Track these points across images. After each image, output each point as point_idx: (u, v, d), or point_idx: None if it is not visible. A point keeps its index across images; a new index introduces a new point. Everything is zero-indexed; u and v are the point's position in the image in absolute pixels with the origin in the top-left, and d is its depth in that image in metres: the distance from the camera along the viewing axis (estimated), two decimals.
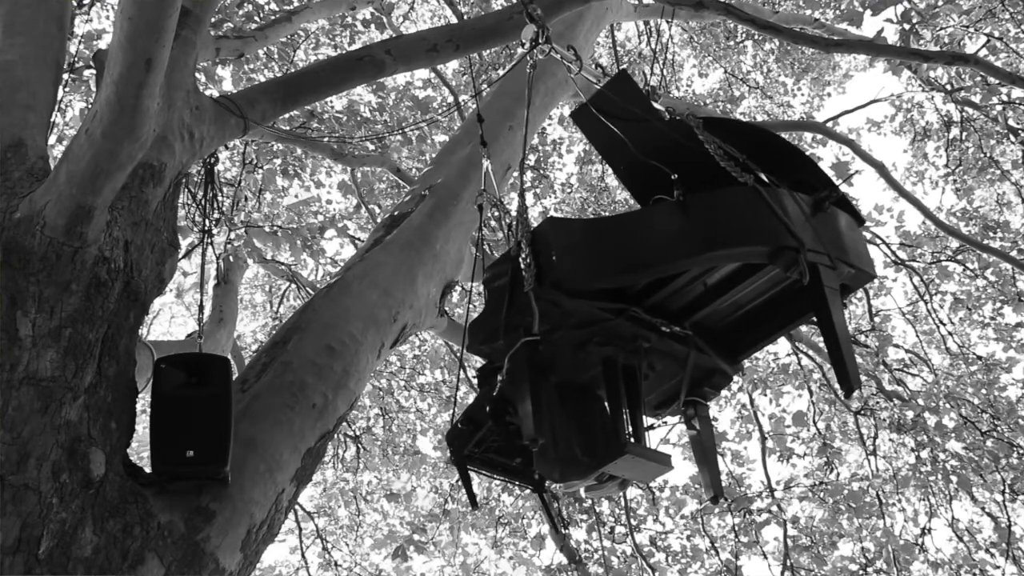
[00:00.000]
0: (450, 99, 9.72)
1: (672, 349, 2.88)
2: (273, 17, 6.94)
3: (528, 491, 3.36)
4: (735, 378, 9.38)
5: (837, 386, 9.18)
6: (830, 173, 8.82)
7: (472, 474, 3.16)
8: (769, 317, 2.93)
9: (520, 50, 3.34)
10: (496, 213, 3.29)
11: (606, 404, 2.86)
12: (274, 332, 4.55)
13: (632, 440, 2.78)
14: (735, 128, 3.01)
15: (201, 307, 3.86)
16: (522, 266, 2.65)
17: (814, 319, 2.70)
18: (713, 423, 9.69)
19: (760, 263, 2.67)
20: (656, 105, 3.01)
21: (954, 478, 8.18)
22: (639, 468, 2.75)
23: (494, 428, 2.87)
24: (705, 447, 3.01)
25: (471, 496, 3.20)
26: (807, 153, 3.14)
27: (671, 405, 3.05)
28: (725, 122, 3.19)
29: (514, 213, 2.88)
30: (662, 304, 2.86)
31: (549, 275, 2.63)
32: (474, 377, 3.23)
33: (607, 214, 10.73)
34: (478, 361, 3.14)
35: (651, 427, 3.04)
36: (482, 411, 2.90)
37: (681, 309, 2.91)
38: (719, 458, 8.73)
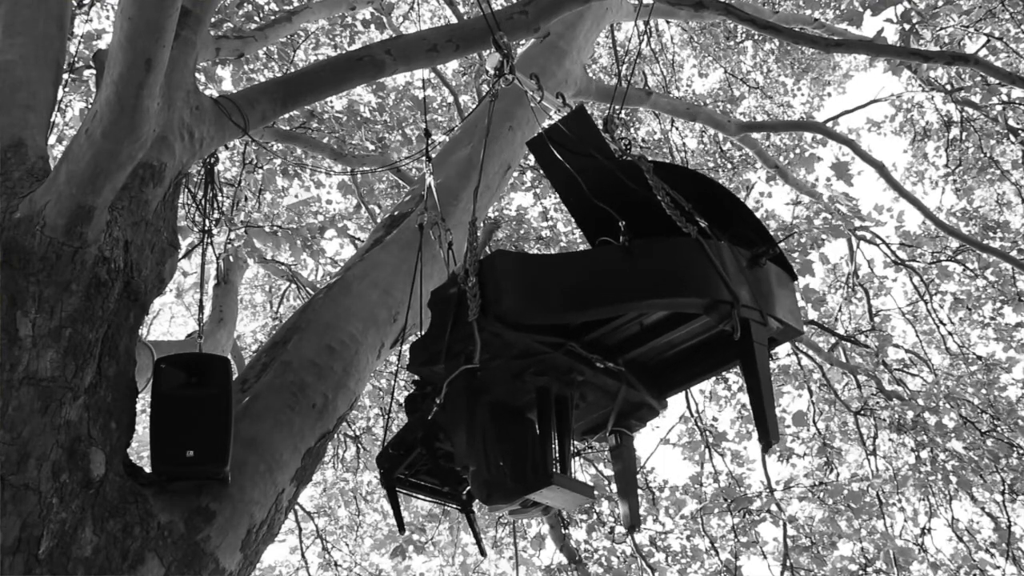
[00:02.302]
0: (450, 99, 9.73)
1: (604, 383, 2.96)
2: (273, 17, 6.93)
3: (457, 510, 3.44)
4: (735, 378, 9.42)
5: (837, 386, 9.19)
6: (827, 174, 8.81)
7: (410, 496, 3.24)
8: (702, 359, 3.02)
9: (490, 71, 3.39)
10: (437, 234, 3.33)
11: (537, 430, 2.92)
12: (274, 332, 4.55)
13: (559, 469, 2.85)
14: (683, 175, 3.09)
15: (201, 307, 3.86)
16: (468, 295, 2.69)
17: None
18: (713, 423, 9.65)
19: (696, 313, 2.75)
20: (611, 142, 3.06)
21: (954, 478, 8.18)
22: (563, 498, 2.82)
23: (424, 453, 2.96)
24: (628, 476, 3.10)
25: (399, 521, 3.29)
26: (751, 207, 3.24)
27: (597, 432, 3.14)
28: (674, 168, 3.26)
29: (468, 239, 2.93)
30: (599, 339, 2.94)
31: (494, 307, 2.68)
32: (402, 403, 3.30)
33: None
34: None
35: (578, 453, 3.09)
36: (413, 436, 2.97)
37: (617, 345, 2.98)
38: (721, 458, 8.75)
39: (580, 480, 2.95)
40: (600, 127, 3.14)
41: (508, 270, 2.76)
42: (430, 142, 3.79)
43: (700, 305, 2.67)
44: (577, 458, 3.06)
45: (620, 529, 8.52)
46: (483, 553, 3.67)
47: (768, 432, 2.64)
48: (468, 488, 3.12)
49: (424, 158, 3.61)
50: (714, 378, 9.47)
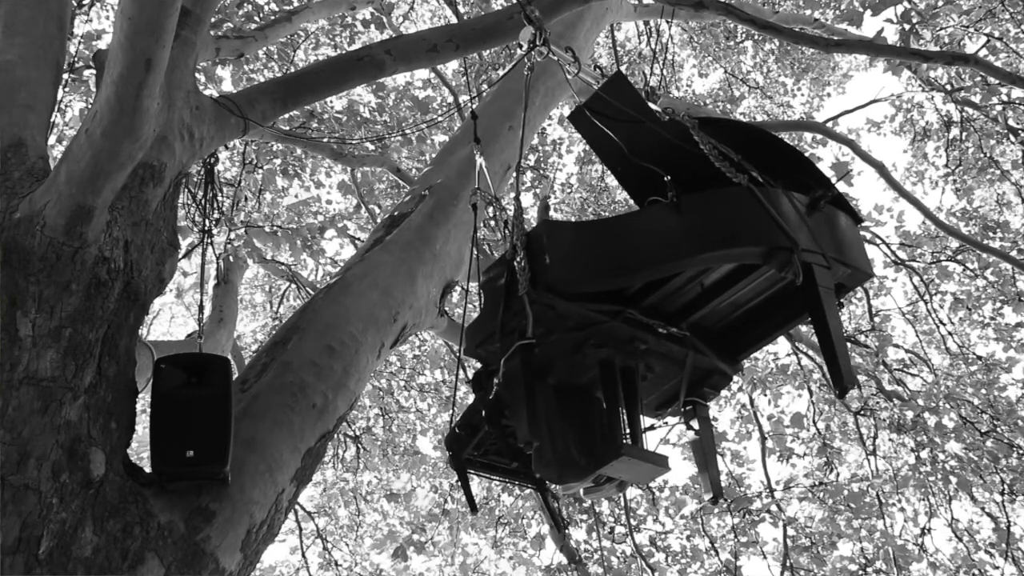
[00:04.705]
0: (450, 99, 9.73)
1: (670, 350, 2.88)
2: (273, 17, 6.94)
3: (530, 490, 3.37)
4: (735, 378, 9.41)
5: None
6: (829, 173, 8.83)
7: (474, 477, 3.18)
8: (768, 316, 2.92)
9: (519, 51, 3.34)
10: (492, 212, 3.28)
11: (604, 406, 2.86)
12: (274, 332, 4.55)
13: (629, 442, 2.78)
14: (731, 128, 3.00)
15: (201, 307, 3.87)
16: (517, 269, 2.66)
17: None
18: (713, 423, 9.70)
19: (755, 263, 2.67)
20: (653, 106, 3.00)
21: (953, 478, 8.17)
22: (636, 470, 2.75)
23: (491, 432, 2.88)
24: (705, 448, 3.01)
25: (470, 501, 3.21)
26: (804, 152, 3.14)
27: (671, 406, 3.05)
28: (721, 122, 3.17)
29: (510, 215, 2.88)
30: (659, 305, 2.86)
31: (543, 278, 2.63)
32: (467, 382, 3.25)
33: (606, 214, 10.75)
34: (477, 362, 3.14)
35: (650, 428, 3.03)
36: (478, 415, 2.91)
37: (679, 310, 2.90)
38: (719, 458, 8.77)
39: (653, 451, 2.86)
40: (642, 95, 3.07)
41: (555, 240, 2.71)
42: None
43: (758, 254, 2.57)
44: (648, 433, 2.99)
45: (620, 529, 8.53)
46: (559, 530, 3.60)
47: (843, 378, 2.55)
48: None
49: (473, 140, 3.55)
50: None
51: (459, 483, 3.20)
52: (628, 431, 2.81)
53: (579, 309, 2.71)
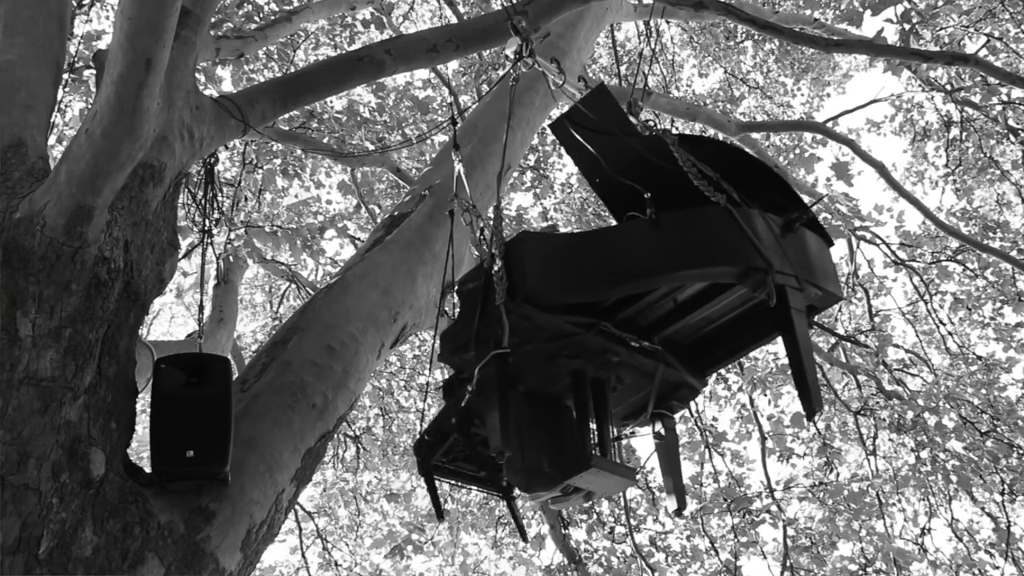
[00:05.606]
0: (450, 99, 9.73)
1: (641, 363, 2.91)
2: (273, 17, 6.94)
3: (497, 498, 3.39)
4: (735, 378, 9.42)
5: (837, 386, 9.19)
6: (828, 174, 8.79)
7: (448, 483, 3.20)
8: (739, 333, 2.95)
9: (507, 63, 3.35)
10: (469, 219, 3.30)
11: (574, 416, 2.88)
12: (274, 332, 4.55)
13: (598, 453, 2.80)
14: (710, 146, 3.02)
15: (201, 307, 3.87)
16: (495, 279, 2.67)
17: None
18: (713, 423, 9.65)
19: (730, 283, 2.69)
20: (633, 119, 3.02)
21: (954, 478, 8.18)
22: (604, 481, 2.77)
23: (460, 439, 2.90)
24: (670, 459, 3.04)
25: (437, 508, 3.23)
26: (779, 173, 3.15)
27: (638, 417, 3.08)
28: (700, 140, 3.19)
29: (491, 224, 2.90)
30: (632, 319, 2.89)
31: (521, 289, 2.65)
32: (437, 389, 3.25)
33: (605, 215, 10.73)
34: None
35: (618, 439, 3.06)
36: (449, 422, 2.93)
37: (651, 324, 2.93)
38: (720, 459, 8.74)
39: (621, 463, 2.89)
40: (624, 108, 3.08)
41: (534, 251, 2.73)
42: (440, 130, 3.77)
43: (733, 274, 2.59)
44: (616, 444, 3.04)
45: (620, 529, 8.53)
46: (524, 539, 3.62)
47: (811, 401, 2.55)
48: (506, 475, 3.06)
49: (452, 146, 3.57)
50: (715, 377, 9.47)
51: (427, 491, 3.21)
52: (597, 442, 2.84)
53: (555, 321, 2.73)
